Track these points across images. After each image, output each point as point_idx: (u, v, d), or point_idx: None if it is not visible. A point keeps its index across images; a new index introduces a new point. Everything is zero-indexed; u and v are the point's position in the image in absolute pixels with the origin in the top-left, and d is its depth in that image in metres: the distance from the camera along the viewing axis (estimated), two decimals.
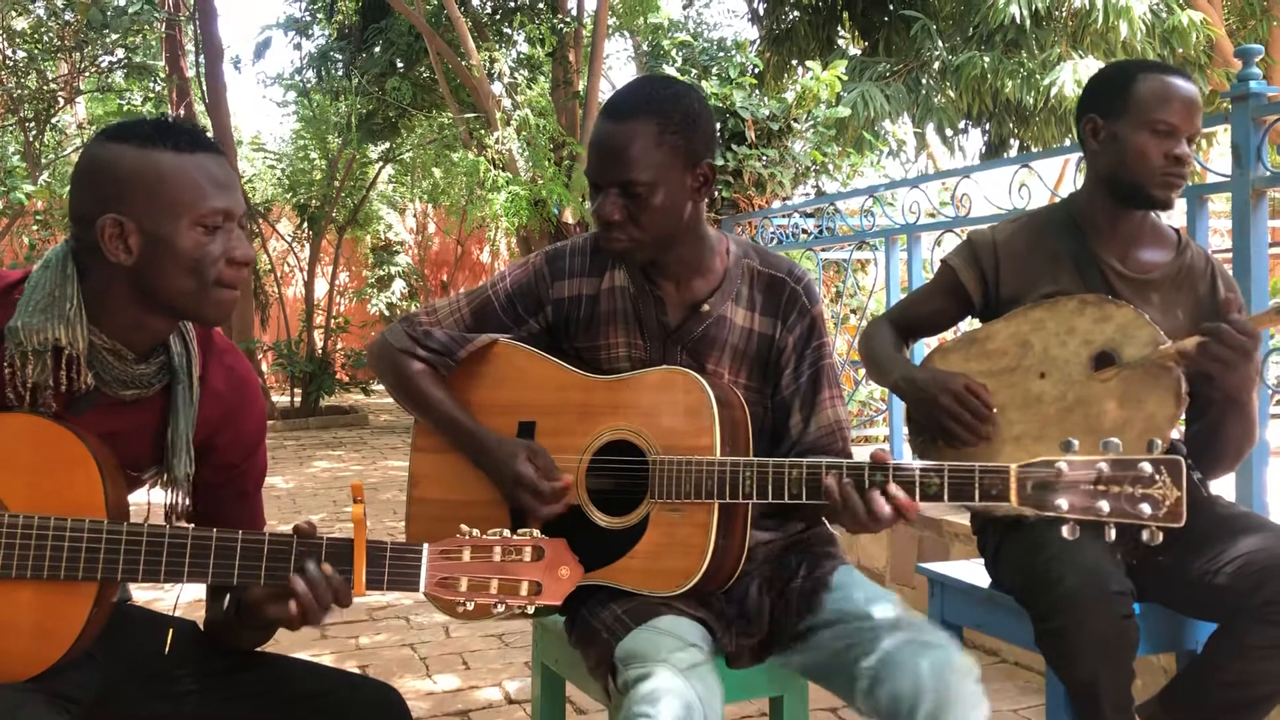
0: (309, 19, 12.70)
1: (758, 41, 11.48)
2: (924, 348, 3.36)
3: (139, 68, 10.96)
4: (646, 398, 1.70)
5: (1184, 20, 8.75)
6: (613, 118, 1.69)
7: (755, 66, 9.00)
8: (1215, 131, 7.72)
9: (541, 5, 10.96)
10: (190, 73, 12.37)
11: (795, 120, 7.54)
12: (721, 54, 8.58)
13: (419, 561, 1.37)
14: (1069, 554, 1.76)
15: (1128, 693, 1.78)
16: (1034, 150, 8.83)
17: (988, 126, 10.82)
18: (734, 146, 7.19)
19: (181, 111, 11.51)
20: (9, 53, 9.98)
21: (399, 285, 15.86)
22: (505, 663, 3.45)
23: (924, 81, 9.95)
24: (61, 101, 10.70)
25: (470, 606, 1.36)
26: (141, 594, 2.42)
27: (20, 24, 10.09)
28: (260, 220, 13.10)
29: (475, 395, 1.83)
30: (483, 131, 9.56)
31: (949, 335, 2.84)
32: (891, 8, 10.49)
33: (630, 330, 1.81)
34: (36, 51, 9.93)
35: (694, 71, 8.34)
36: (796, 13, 11.13)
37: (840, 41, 11.37)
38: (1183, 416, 1.90)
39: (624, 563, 1.65)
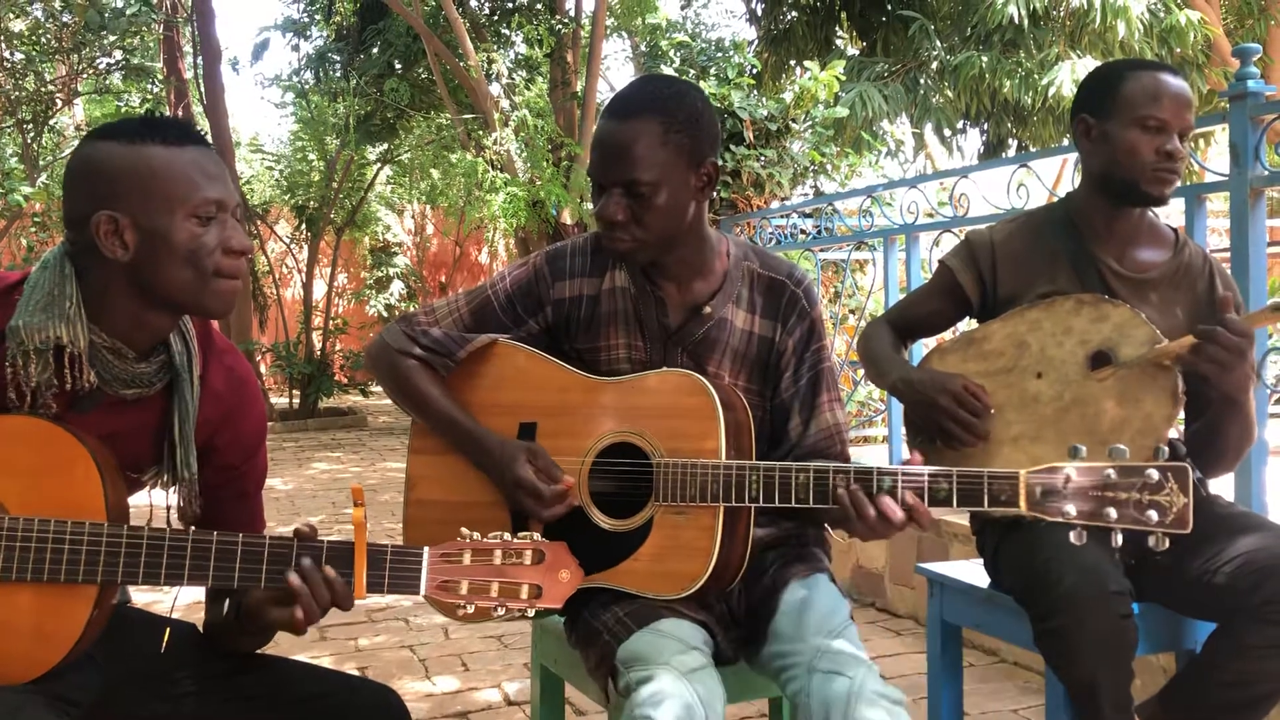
0: (307, 20, 12.70)
1: (756, 42, 11.48)
2: (923, 348, 3.36)
3: (137, 69, 10.96)
4: (649, 399, 1.70)
5: (1182, 20, 8.76)
6: (616, 117, 1.68)
7: (753, 67, 9.01)
8: (1213, 131, 7.73)
9: (539, 6, 10.97)
10: (188, 74, 12.38)
11: (793, 121, 7.55)
12: (719, 54, 8.59)
13: (419, 564, 1.37)
14: (1068, 554, 1.76)
15: (1127, 692, 1.78)
16: (1032, 150, 8.83)
17: (986, 126, 10.83)
18: (732, 147, 7.19)
19: (180, 113, 11.51)
20: (7, 55, 9.97)
21: (397, 287, 15.87)
22: (505, 664, 3.45)
23: (922, 81, 9.96)
24: (59, 103, 10.69)
25: (470, 609, 1.36)
26: (141, 596, 2.42)
27: (18, 26, 10.09)
28: (258, 222, 13.10)
29: (475, 396, 1.82)
30: (481, 132, 9.56)
31: (947, 336, 2.85)
32: (889, 8, 10.50)
33: (631, 331, 1.80)
34: (34, 53, 9.92)
35: (692, 72, 8.35)
36: (794, 13, 11.13)
37: (838, 42, 11.37)
38: (1181, 416, 1.91)
39: (628, 565, 1.65)
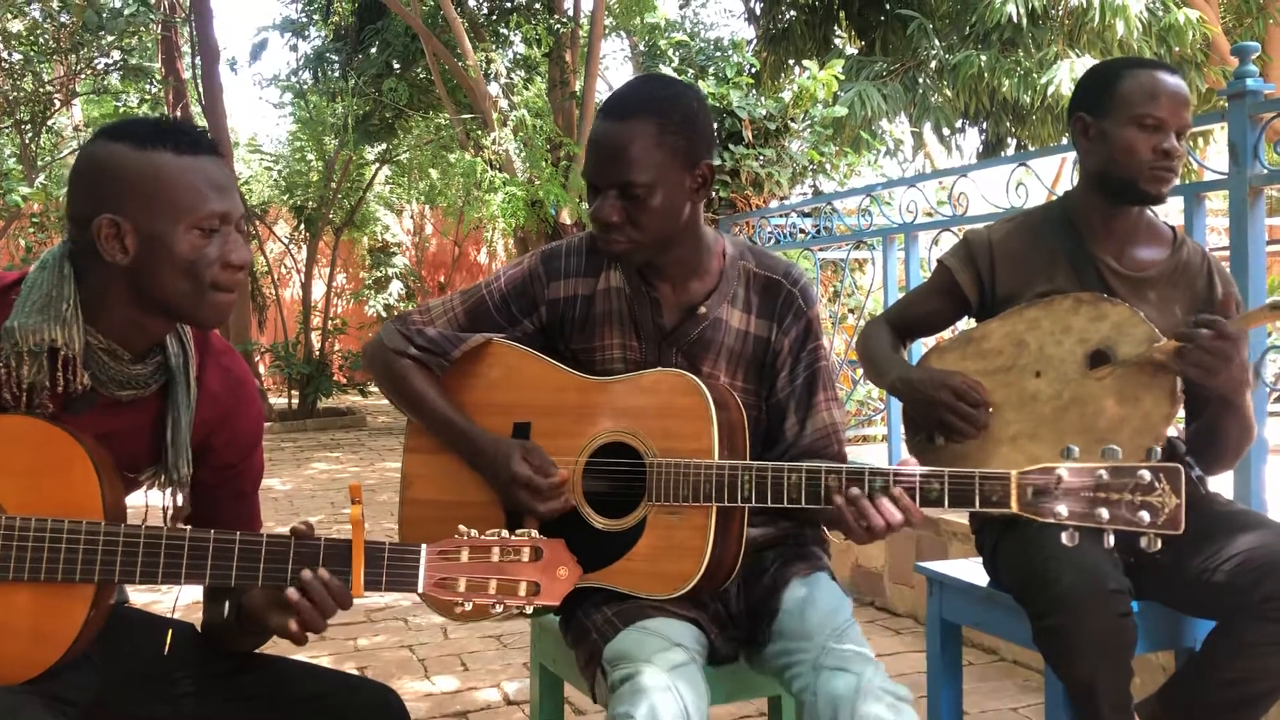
0: (305, 20, 12.69)
1: (754, 41, 11.48)
2: (921, 347, 3.36)
3: (135, 70, 10.96)
4: (643, 400, 1.70)
5: (1180, 18, 8.76)
6: (612, 117, 1.67)
7: (752, 66, 9.01)
8: (1212, 129, 7.72)
9: (538, 6, 10.97)
10: (186, 74, 12.37)
11: (792, 120, 7.54)
12: (718, 54, 8.60)
13: (417, 562, 1.37)
14: (1067, 553, 1.75)
15: (1126, 691, 1.78)
16: (1031, 149, 8.83)
17: (985, 125, 10.82)
18: (731, 146, 7.19)
19: (178, 113, 11.50)
20: (5, 55, 9.97)
21: (396, 287, 15.87)
22: (504, 664, 3.45)
23: (921, 81, 9.96)
24: (57, 104, 10.70)
25: (468, 607, 1.36)
26: (139, 596, 2.42)
27: (16, 26, 10.09)
28: (257, 222, 13.10)
29: (470, 395, 1.82)
30: (479, 132, 9.56)
31: (946, 335, 2.85)
32: (888, 7, 10.49)
33: (625, 332, 1.80)
34: (32, 54, 9.92)
35: (691, 71, 8.35)
36: (793, 12, 11.13)
37: (837, 41, 11.37)
38: (1182, 414, 1.90)
39: (621, 565, 1.65)
